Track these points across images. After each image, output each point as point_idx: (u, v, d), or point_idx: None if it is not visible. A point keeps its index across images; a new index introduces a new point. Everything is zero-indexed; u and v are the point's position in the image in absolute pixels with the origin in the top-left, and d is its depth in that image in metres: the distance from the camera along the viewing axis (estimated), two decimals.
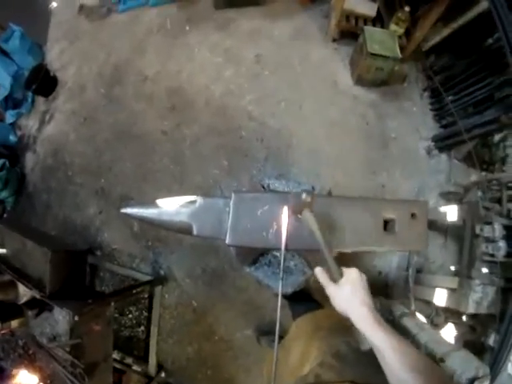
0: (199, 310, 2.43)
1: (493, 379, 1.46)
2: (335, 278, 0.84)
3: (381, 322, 0.74)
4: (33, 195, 3.21)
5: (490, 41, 2.14)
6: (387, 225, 1.04)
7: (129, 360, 2.42)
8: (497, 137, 2.18)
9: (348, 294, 0.80)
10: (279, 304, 0.87)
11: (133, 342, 2.52)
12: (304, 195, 0.86)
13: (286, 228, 0.92)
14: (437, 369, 0.68)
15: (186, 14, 3.23)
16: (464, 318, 1.92)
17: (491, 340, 1.77)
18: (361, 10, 2.58)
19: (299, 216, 0.90)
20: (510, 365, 1.55)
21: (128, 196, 2.70)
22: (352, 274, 0.84)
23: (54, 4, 4.01)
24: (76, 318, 1.47)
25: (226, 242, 0.98)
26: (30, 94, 3.50)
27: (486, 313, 1.78)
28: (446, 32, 2.41)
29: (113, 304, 1.76)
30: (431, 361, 0.68)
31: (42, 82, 3.30)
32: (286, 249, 0.93)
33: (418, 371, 0.63)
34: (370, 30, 2.44)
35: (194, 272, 2.46)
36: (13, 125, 3.56)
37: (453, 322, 1.99)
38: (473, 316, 1.89)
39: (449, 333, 1.96)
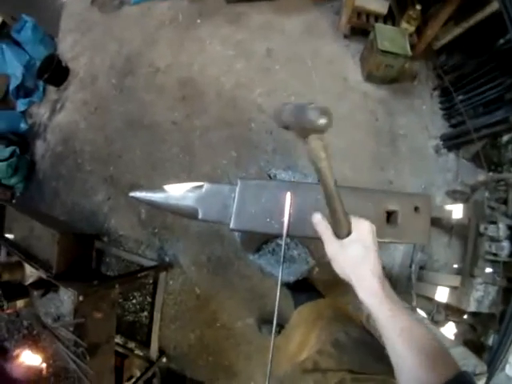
0: (202, 296, 2.46)
1: (490, 378, 1.47)
2: (340, 232, 0.67)
3: (391, 297, 0.62)
4: (42, 182, 3.25)
5: (502, 41, 2.13)
6: (390, 217, 1.04)
7: (131, 345, 2.46)
8: (505, 137, 2.17)
9: (357, 257, 0.64)
10: (279, 289, 0.80)
11: (136, 327, 2.57)
12: (317, 112, 0.52)
13: (289, 214, 0.92)
14: (447, 355, 0.57)
15: (198, 7, 3.25)
16: (465, 316, 1.93)
17: (491, 340, 1.78)
18: (372, 7, 2.57)
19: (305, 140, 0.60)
20: (508, 366, 1.56)
21: (137, 184, 2.73)
22: (364, 229, 0.67)
23: None
24: (81, 299, 1.49)
25: (230, 226, 0.99)
26: (41, 83, 3.53)
27: (487, 312, 1.79)
28: (457, 31, 2.40)
29: (117, 287, 1.78)
30: (443, 346, 0.59)
31: (54, 71, 3.33)
32: (289, 235, 0.94)
33: (426, 354, 0.55)
34: (381, 27, 2.44)
35: (199, 259, 2.50)
36: (24, 113, 3.59)
37: (453, 321, 2.00)
38: (473, 315, 1.90)
39: (449, 331, 1.96)
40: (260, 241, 1.36)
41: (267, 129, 2.66)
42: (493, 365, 1.55)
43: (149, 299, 2.57)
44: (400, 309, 0.60)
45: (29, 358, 1.75)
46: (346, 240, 0.66)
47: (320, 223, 0.70)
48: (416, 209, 1.05)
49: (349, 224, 0.66)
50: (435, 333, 1.53)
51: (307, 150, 0.59)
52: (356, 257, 0.64)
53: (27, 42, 3.46)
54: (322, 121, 0.52)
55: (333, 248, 0.67)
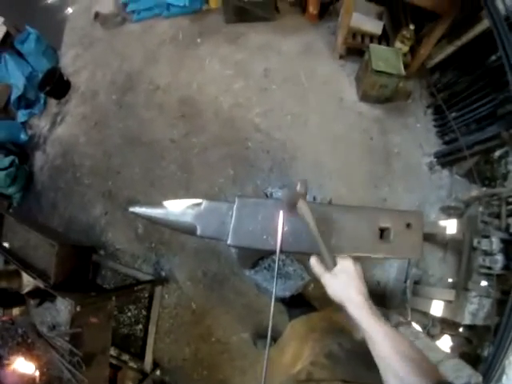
0: (198, 311, 2.46)
1: None
2: (330, 267, 0.85)
3: (375, 311, 0.75)
4: (40, 193, 3.26)
5: (493, 58, 2.18)
6: (383, 233, 1.07)
7: (125, 357, 2.43)
8: (498, 152, 2.21)
9: (343, 283, 0.81)
10: (273, 302, 0.88)
11: (130, 339, 2.55)
12: (298, 186, 0.90)
13: (282, 230, 0.95)
14: (426, 358, 0.67)
15: (198, 26, 3.33)
16: (460, 329, 1.94)
17: (486, 352, 1.79)
18: (367, 28, 2.65)
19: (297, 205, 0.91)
20: (504, 377, 1.57)
21: (134, 199, 2.75)
22: (346, 263, 0.84)
23: (70, 10, 4.12)
24: (78, 309, 1.50)
25: (228, 242, 1.01)
26: (42, 95, 3.58)
27: (482, 324, 1.80)
28: (450, 49, 2.47)
29: (114, 299, 1.79)
30: (421, 350, 0.69)
31: (56, 84, 3.38)
32: (284, 251, 0.97)
33: (409, 358, 0.64)
34: (376, 48, 2.51)
35: (195, 275, 2.50)
36: (24, 124, 3.62)
37: (449, 334, 2.00)
38: (469, 328, 1.91)
39: (445, 344, 1.97)
40: (256, 257, 1.38)
41: (264, 148, 2.71)
42: (488, 376, 1.56)
43: (144, 312, 2.56)
44: (382, 319, 0.73)
45: (22, 366, 1.73)
46: (334, 271, 0.84)
47: (315, 262, 0.88)
48: (408, 225, 1.07)
49: (334, 259, 0.85)
50: (431, 346, 1.54)
51: (297, 211, 0.91)
52: (342, 282, 0.81)
53: (30, 54, 3.52)
54: (302, 189, 0.91)
55: (326, 278, 0.84)
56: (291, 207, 0.92)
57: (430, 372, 0.63)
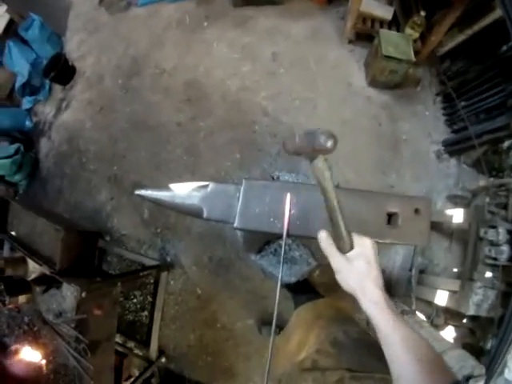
0: (203, 297, 2.48)
1: (487, 381, 1.48)
2: (343, 247, 0.71)
3: (392, 309, 0.66)
4: (46, 180, 3.28)
5: (505, 48, 2.14)
6: (390, 218, 1.06)
7: (131, 344, 2.48)
8: (507, 143, 2.18)
9: (360, 272, 0.69)
10: (279, 286, 0.81)
11: (136, 326, 2.58)
12: (323, 138, 0.61)
13: (289, 213, 0.94)
14: (442, 361, 0.62)
15: (205, 10, 3.29)
16: (464, 320, 1.94)
17: (489, 344, 1.79)
18: (377, 13, 2.59)
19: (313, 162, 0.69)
20: (507, 370, 1.56)
21: (140, 184, 2.75)
22: (366, 247, 0.71)
23: None
24: (83, 295, 1.51)
25: (234, 225, 1.00)
26: (47, 81, 3.57)
27: (486, 316, 1.79)
28: (461, 38, 2.42)
29: (119, 284, 1.80)
30: (439, 355, 0.63)
31: (61, 70, 3.37)
32: (291, 235, 0.95)
33: (426, 363, 0.58)
34: (386, 33, 2.46)
35: (201, 260, 2.51)
36: (29, 111, 3.63)
37: (453, 325, 2.00)
38: (473, 319, 1.90)
39: (448, 335, 1.97)
40: (262, 241, 1.38)
41: (271, 132, 2.69)
42: (491, 368, 1.56)
43: (149, 299, 2.59)
44: (400, 320, 0.64)
45: (29, 355, 1.75)
46: (350, 255, 0.70)
47: (324, 240, 0.73)
48: (416, 211, 1.06)
49: (351, 239, 0.71)
50: (435, 336, 1.54)
51: (313, 170, 0.68)
52: (360, 271, 0.68)
53: (34, 41, 3.50)
54: (330, 143, 0.61)
55: (338, 262, 0.71)
56: (308, 158, 0.69)
57: (443, 375, 0.59)
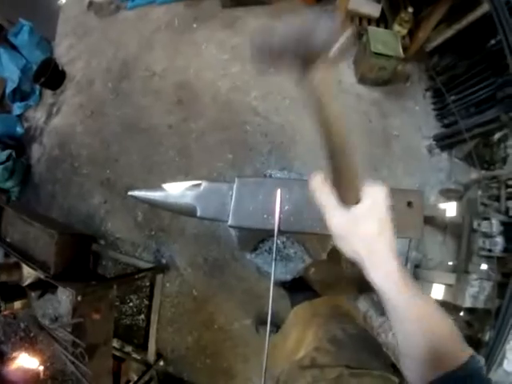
0: (200, 298, 2.46)
1: (487, 373, 1.49)
2: (348, 198, 0.55)
3: (409, 280, 0.53)
4: (38, 186, 3.25)
5: (493, 42, 2.16)
6: None
7: (128, 348, 2.45)
8: (497, 136, 2.20)
9: (371, 233, 0.53)
10: (272, 283, 0.81)
11: (133, 330, 2.56)
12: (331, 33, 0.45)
13: (281, 209, 0.95)
14: (459, 341, 0.54)
15: (194, 11, 3.28)
16: (461, 313, 1.95)
17: (487, 336, 1.80)
18: (365, 11, 2.61)
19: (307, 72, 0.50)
20: (506, 361, 1.58)
21: (133, 187, 2.64)
22: (378, 197, 0.54)
23: (63, 0, 4.05)
24: (79, 299, 1.50)
25: (228, 223, 1.00)
26: (37, 86, 3.55)
27: (483, 308, 1.81)
28: (449, 33, 2.43)
29: (115, 287, 1.79)
30: (456, 331, 0.54)
31: (51, 75, 3.34)
32: (285, 231, 0.97)
33: (439, 345, 0.51)
34: (374, 30, 2.48)
35: (196, 261, 2.50)
36: (20, 117, 3.61)
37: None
38: (469, 311, 1.91)
39: None
40: (257, 239, 1.37)
41: (262, 131, 2.69)
42: (489, 360, 1.57)
43: (146, 302, 2.57)
44: (418, 294, 0.52)
45: (26, 361, 1.74)
46: (357, 210, 0.54)
47: (321, 187, 0.56)
48: (409, 204, 1.06)
49: (358, 188, 0.54)
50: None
51: (309, 85, 0.50)
52: (370, 232, 0.53)
53: (24, 46, 3.49)
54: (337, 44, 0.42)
55: (339, 221, 0.54)
56: (300, 67, 0.50)
57: (455, 356, 0.51)
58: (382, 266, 0.52)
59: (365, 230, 0.52)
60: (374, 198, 0.54)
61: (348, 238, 0.54)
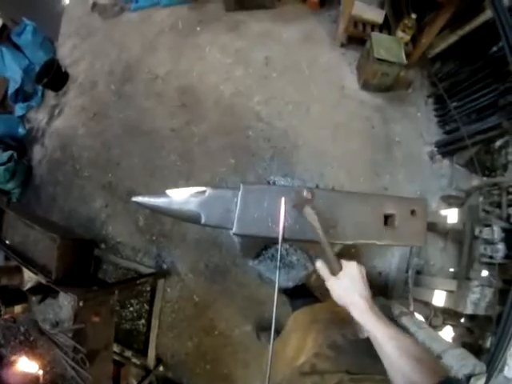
0: (200, 304, 2.45)
1: (488, 379, 1.49)
2: (335, 271, 0.86)
3: (378, 314, 0.78)
4: (39, 187, 3.24)
5: (495, 49, 2.17)
6: (387, 220, 1.06)
7: (128, 353, 2.44)
8: (498, 143, 2.20)
9: (347, 287, 0.83)
10: (276, 291, 0.85)
11: (133, 335, 2.55)
12: (305, 192, 0.92)
13: (284, 218, 0.95)
14: (432, 358, 0.72)
15: (197, 15, 3.30)
16: (462, 320, 1.95)
17: (488, 342, 1.79)
18: (368, 17, 2.62)
19: (303, 210, 0.91)
20: (506, 368, 1.57)
21: (135, 191, 2.73)
22: (351, 267, 0.86)
23: (67, 1, 4.06)
24: (81, 304, 1.49)
25: (233, 230, 0.99)
26: (40, 87, 3.54)
27: (484, 314, 1.80)
28: (451, 39, 2.45)
29: (116, 293, 1.78)
30: (426, 350, 0.71)
31: (54, 76, 3.34)
32: (289, 239, 0.97)
33: (415, 359, 0.67)
34: (377, 36, 2.49)
35: (197, 267, 2.49)
36: (22, 117, 3.60)
37: (451, 324, 2.01)
38: (471, 318, 1.91)
39: (447, 335, 1.97)
40: (259, 247, 1.37)
41: (265, 136, 2.69)
42: (491, 366, 1.56)
43: (146, 307, 2.56)
44: (386, 323, 0.76)
45: (25, 365, 1.72)
46: (339, 275, 0.85)
47: (321, 266, 0.90)
48: (413, 212, 1.07)
49: (339, 264, 0.86)
50: (434, 336, 1.55)
51: (305, 215, 0.91)
52: (346, 286, 0.83)
53: (27, 46, 3.49)
54: (308, 195, 0.92)
55: (330, 282, 0.86)
56: (298, 208, 0.94)
57: (435, 369, 0.66)
58: (356, 306, 0.80)
59: (343, 285, 0.84)
60: (348, 267, 0.86)
61: (336, 291, 0.84)
